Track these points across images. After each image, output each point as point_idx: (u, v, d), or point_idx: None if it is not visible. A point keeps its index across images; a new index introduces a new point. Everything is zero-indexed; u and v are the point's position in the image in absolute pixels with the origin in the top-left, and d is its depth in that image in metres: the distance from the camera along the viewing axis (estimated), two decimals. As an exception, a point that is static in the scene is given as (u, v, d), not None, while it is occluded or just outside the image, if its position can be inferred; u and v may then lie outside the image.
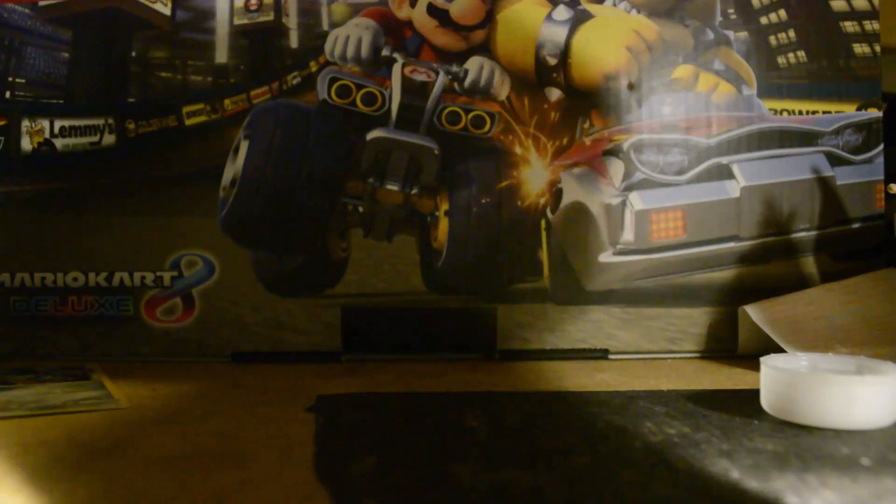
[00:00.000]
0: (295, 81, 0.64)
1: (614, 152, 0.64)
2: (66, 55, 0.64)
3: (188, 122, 0.64)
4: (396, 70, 0.62)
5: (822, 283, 0.64)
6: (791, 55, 0.66)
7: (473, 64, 0.63)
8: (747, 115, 0.65)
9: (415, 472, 0.30)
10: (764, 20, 0.66)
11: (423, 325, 0.62)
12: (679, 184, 0.64)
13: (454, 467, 0.30)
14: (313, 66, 0.64)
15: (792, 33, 0.66)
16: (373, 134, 0.61)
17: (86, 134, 0.64)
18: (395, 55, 0.62)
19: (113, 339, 0.62)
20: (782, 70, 0.66)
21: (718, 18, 0.66)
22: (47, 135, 0.64)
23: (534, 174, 0.63)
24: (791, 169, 0.65)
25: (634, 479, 0.29)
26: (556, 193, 0.63)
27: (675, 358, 0.63)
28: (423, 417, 0.40)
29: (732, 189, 0.64)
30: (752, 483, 0.29)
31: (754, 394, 0.42)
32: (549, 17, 0.64)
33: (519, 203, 0.63)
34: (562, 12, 0.64)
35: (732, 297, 0.63)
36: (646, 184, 0.63)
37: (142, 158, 0.64)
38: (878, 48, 0.66)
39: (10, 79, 0.64)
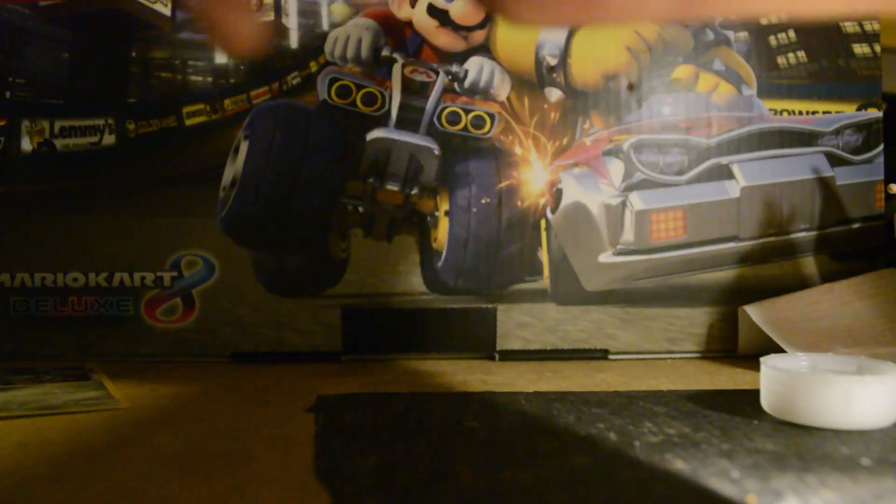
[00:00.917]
0: (295, 82, 0.64)
1: (614, 152, 0.64)
2: (66, 55, 0.64)
3: (188, 122, 0.64)
4: (396, 70, 0.62)
5: (822, 283, 0.64)
6: (791, 55, 0.66)
7: (473, 64, 0.63)
8: (747, 116, 0.65)
9: (415, 472, 0.30)
10: (764, 20, 0.66)
11: (423, 325, 0.62)
12: (679, 184, 0.64)
13: (454, 467, 0.30)
14: (313, 67, 0.64)
15: (792, 33, 0.66)
16: (373, 134, 0.61)
17: (86, 134, 0.64)
18: (395, 55, 0.62)
19: (113, 340, 0.62)
20: (782, 70, 0.66)
21: (718, 18, 0.66)
22: (47, 135, 0.64)
23: (534, 174, 0.63)
24: (791, 169, 0.65)
25: (634, 479, 0.29)
26: (556, 194, 0.63)
27: (675, 358, 0.63)
28: (423, 417, 0.40)
29: (732, 189, 0.64)
30: (752, 483, 0.29)
31: (754, 394, 0.42)
32: (549, 17, 0.64)
33: (519, 203, 0.63)
34: (562, 12, 0.64)
35: (732, 298, 0.63)
36: (646, 184, 0.63)
37: (142, 159, 0.64)
38: (878, 48, 0.66)
39: (10, 79, 0.64)
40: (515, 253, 0.63)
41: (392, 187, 0.62)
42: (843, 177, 0.66)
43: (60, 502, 0.28)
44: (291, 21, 0.64)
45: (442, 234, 0.63)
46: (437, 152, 0.62)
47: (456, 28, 0.63)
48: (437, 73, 0.62)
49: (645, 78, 0.64)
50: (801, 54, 0.66)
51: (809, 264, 0.65)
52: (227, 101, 0.64)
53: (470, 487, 0.28)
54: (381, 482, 0.29)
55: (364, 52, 0.63)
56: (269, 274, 0.63)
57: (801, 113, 0.66)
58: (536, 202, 0.63)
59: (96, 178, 0.63)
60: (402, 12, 0.64)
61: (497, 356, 0.62)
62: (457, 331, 0.63)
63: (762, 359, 0.41)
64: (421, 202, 0.63)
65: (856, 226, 0.66)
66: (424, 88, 0.62)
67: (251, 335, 0.62)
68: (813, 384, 0.37)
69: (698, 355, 0.63)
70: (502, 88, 0.64)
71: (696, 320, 0.64)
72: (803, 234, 0.65)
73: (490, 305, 0.63)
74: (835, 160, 0.66)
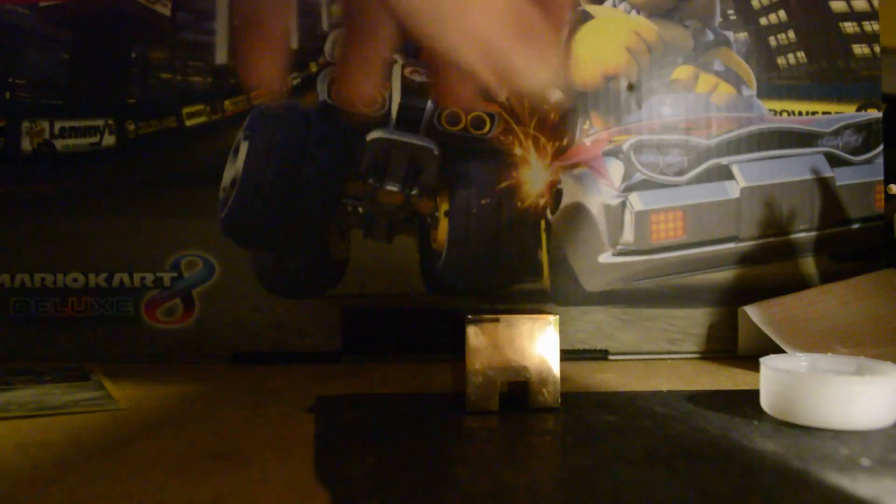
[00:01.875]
0: (295, 82, 0.64)
1: (614, 153, 0.64)
2: (66, 56, 0.64)
3: (188, 122, 0.64)
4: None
5: (822, 283, 0.64)
6: (791, 56, 0.66)
7: None
8: (747, 116, 0.65)
9: (415, 472, 0.30)
10: (764, 21, 0.66)
11: (423, 326, 0.62)
12: (679, 184, 0.64)
13: (454, 467, 0.30)
14: (313, 67, 0.64)
15: (792, 34, 0.66)
16: (373, 134, 0.61)
17: (86, 135, 0.64)
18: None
19: (113, 340, 0.62)
20: (782, 71, 0.66)
21: (718, 19, 0.66)
22: (47, 135, 0.64)
23: (534, 175, 0.63)
24: (791, 169, 0.65)
25: (634, 479, 0.29)
26: (556, 194, 0.63)
27: (675, 358, 0.63)
28: (423, 418, 0.40)
29: (732, 190, 0.64)
30: (752, 483, 0.29)
31: (754, 394, 0.42)
32: (548, 17, 0.64)
33: (519, 204, 0.63)
34: (561, 13, 0.64)
35: (732, 298, 0.63)
36: (645, 184, 0.63)
37: (142, 159, 0.64)
38: (877, 49, 0.66)
39: (10, 79, 0.64)
40: (515, 253, 0.63)
41: (392, 188, 0.62)
42: (842, 177, 0.66)
43: (60, 503, 0.28)
44: (291, 21, 0.64)
45: (442, 234, 0.63)
46: (436, 153, 0.62)
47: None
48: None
49: (645, 79, 0.64)
50: (801, 55, 0.66)
51: (809, 265, 0.65)
52: (227, 102, 0.64)
53: (470, 487, 0.28)
54: (380, 482, 0.29)
55: (364, 53, 0.63)
56: (269, 274, 0.63)
57: (800, 113, 0.66)
58: (536, 203, 0.63)
59: (96, 178, 0.63)
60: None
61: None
62: (457, 331, 0.63)
63: (762, 359, 0.41)
64: (421, 203, 0.63)
65: (855, 226, 0.66)
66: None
67: (251, 336, 0.62)
68: (813, 384, 0.37)
69: (698, 356, 0.63)
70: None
71: (695, 321, 0.64)
72: (803, 234, 0.65)
73: (490, 306, 0.63)
74: (834, 161, 0.66)
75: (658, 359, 0.63)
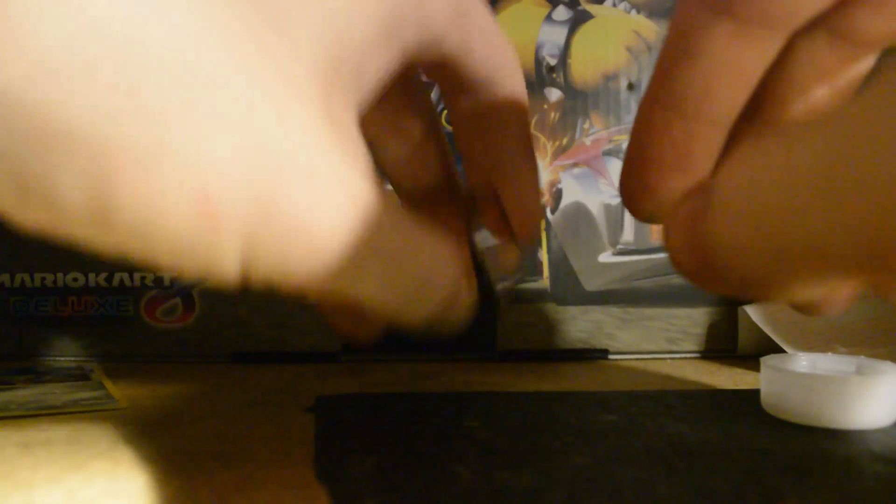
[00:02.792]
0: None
1: (614, 152, 0.64)
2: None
3: (188, 122, 0.64)
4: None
5: (822, 283, 0.64)
6: (791, 55, 0.66)
7: None
8: (747, 116, 0.65)
9: (415, 472, 0.30)
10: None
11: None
12: (679, 184, 0.63)
13: (454, 467, 0.30)
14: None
15: (792, 33, 0.66)
16: (373, 134, 0.61)
17: (86, 134, 0.64)
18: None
19: (113, 340, 0.62)
20: (782, 70, 0.66)
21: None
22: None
23: (534, 174, 0.63)
24: (791, 169, 0.65)
25: (634, 479, 0.29)
26: (556, 194, 0.63)
27: (675, 358, 0.63)
28: (423, 418, 0.40)
29: (732, 189, 0.64)
30: (752, 483, 0.29)
31: (754, 394, 0.42)
32: (548, 17, 0.64)
33: (519, 203, 0.63)
34: (562, 12, 0.64)
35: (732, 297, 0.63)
36: (646, 184, 0.63)
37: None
38: (877, 48, 0.66)
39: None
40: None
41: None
42: (842, 177, 0.65)
43: (60, 502, 0.28)
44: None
45: (442, 234, 0.63)
46: (437, 152, 0.62)
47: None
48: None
49: (645, 78, 0.64)
50: (801, 54, 0.66)
51: (809, 264, 0.65)
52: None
53: (470, 487, 0.28)
54: (381, 482, 0.29)
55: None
56: (269, 274, 0.63)
57: (800, 113, 0.66)
58: (536, 202, 0.63)
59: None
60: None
61: (497, 356, 0.62)
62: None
63: (762, 359, 0.41)
64: (421, 202, 0.63)
65: (856, 226, 0.66)
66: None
67: (251, 335, 0.62)
68: (813, 384, 0.38)
69: (698, 355, 0.63)
70: None
71: (695, 320, 0.64)
72: (803, 234, 0.65)
73: (490, 305, 0.63)
74: (835, 160, 0.66)
75: (658, 358, 0.63)
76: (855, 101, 0.16)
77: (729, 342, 0.63)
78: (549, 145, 0.63)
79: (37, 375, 0.54)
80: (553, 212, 0.63)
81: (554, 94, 0.64)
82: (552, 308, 0.63)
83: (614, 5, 0.65)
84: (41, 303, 0.62)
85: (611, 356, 0.63)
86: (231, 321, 0.62)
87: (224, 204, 0.18)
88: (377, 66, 0.26)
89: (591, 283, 0.64)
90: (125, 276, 0.63)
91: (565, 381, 0.52)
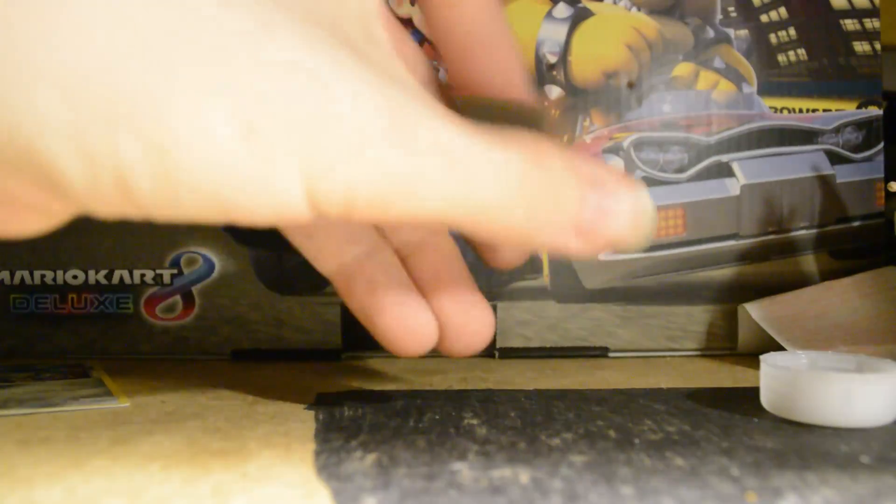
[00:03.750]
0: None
1: (614, 150, 0.64)
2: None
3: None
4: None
5: (822, 280, 0.64)
6: (791, 53, 0.66)
7: None
8: (747, 114, 0.65)
9: (415, 470, 0.30)
10: (764, 18, 0.66)
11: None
12: (679, 182, 0.64)
13: (454, 465, 0.30)
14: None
15: (792, 31, 0.66)
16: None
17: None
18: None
19: (113, 337, 0.62)
20: (783, 68, 0.66)
21: (719, 16, 0.66)
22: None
23: (534, 172, 0.63)
24: (791, 167, 0.65)
25: (634, 477, 0.29)
26: (556, 191, 0.63)
27: (674, 356, 0.63)
28: (423, 415, 0.40)
29: (732, 187, 0.64)
30: (752, 481, 0.29)
31: (754, 392, 0.42)
32: (549, 14, 0.64)
33: (519, 201, 0.63)
34: (562, 10, 0.64)
35: (732, 295, 0.63)
36: (646, 182, 0.63)
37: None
38: (878, 46, 0.66)
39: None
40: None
41: None
42: (843, 175, 0.66)
43: (60, 500, 0.28)
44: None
45: (442, 231, 0.63)
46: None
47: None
48: (438, 71, 0.62)
49: (645, 76, 0.64)
50: (802, 52, 0.66)
51: (809, 262, 0.65)
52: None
53: (470, 486, 0.28)
54: (380, 480, 0.29)
55: (364, 50, 0.62)
56: (268, 271, 0.63)
57: (801, 111, 0.66)
58: (536, 200, 0.63)
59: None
60: (402, 10, 0.64)
61: (497, 354, 0.62)
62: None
63: (762, 357, 0.41)
64: (421, 200, 0.63)
65: (856, 224, 0.66)
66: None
67: (251, 333, 0.62)
68: (813, 382, 0.37)
69: (698, 353, 0.63)
70: None
71: (695, 318, 0.64)
72: (803, 231, 0.65)
73: (490, 303, 0.63)
74: (835, 158, 0.66)
75: (658, 356, 0.63)
76: None
77: (729, 340, 0.63)
78: (549, 143, 0.63)
79: (36, 373, 0.54)
80: (553, 209, 0.63)
81: (554, 92, 0.64)
82: (552, 305, 0.63)
83: (615, 3, 0.65)
84: (41, 300, 0.62)
85: (611, 354, 0.63)
86: (231, 318, 0.62)
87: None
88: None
89: (590, 281, 0.64)
90: (125, 273, 0.62)
91: (565, 379, 0.52)
